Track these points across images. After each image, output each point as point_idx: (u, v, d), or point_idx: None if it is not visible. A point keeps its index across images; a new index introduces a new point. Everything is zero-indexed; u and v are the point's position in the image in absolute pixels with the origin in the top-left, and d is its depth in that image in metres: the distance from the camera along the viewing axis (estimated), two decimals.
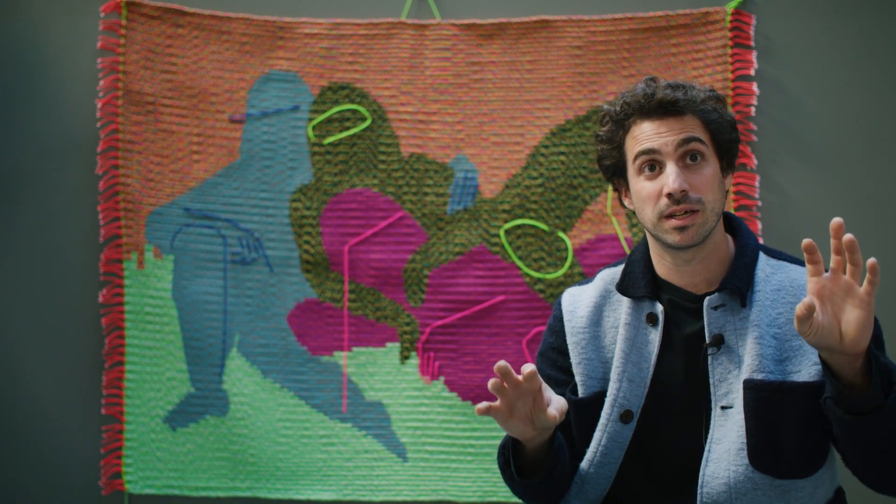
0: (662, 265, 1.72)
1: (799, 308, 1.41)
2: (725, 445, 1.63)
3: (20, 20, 2.64)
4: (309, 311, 2.58)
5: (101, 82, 2.58)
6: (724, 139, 1.68)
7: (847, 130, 2.50)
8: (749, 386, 1.62)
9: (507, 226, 2.55)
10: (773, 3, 2.52)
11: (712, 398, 1.66)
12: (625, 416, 1.70)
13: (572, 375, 1.78)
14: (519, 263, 2.54)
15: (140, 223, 2.57)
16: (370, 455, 2.56)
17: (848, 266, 1.44)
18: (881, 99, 2.49)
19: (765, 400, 1.61)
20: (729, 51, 2.49)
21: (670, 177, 1.62)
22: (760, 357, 1.63)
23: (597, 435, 1.72)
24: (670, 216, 1.63)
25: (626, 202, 1.74)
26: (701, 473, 1.64)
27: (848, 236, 1.42)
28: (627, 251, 2.49)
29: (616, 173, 1.74)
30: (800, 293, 1.66)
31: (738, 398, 1.64)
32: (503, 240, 2.55)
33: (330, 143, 2.59)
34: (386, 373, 2.57)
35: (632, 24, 2.53)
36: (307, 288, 2.58)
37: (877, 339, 1.61)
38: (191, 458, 2.57)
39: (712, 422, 1.66)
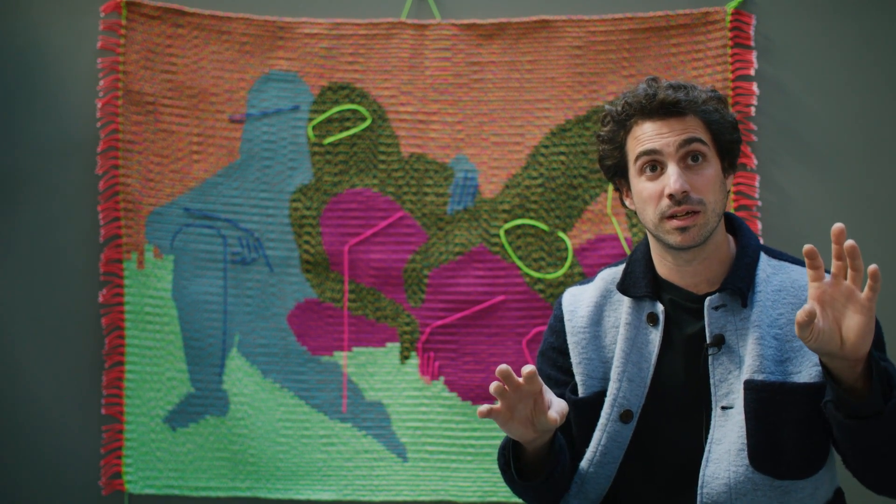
0: (663, 265, 1.72)
1: (799, 314, 1.41)
2: (726, 446, 1.63)
3: (20, 20, 2.64)
4: (309, 311, 2.58)
5: (101, 82, 2.58)
6: (725, 140, 1.68)
7: (847, 130, 2.50)
8: (750, 386, 1.62)
9: (507, 226, 2.55)
10: (773, 3, 2.52)
11: (712, 398, 1.66)
12: (624, 416, 1.70)
13: (572, 375, 1.78)
14: (519, 263, 2.54)
15: (140, 223, 2.57)
16: (370, 455, 2.56)
17: (849, 271, 1.44)
18: (881, 99, 2.49)
19: (765, 401, 1.61)
20: (729, 51, 2.49)
21: (671, 177, 1.62)
22: (761, 358, 1.63)
23: (596, 434, 1.72)
24: (671, 217, 1.63)
25: (627, 202, 1.74)
26: (701, 474, 1.64)
27: (849, 242, 1.41)
28: (627, 251, 2.49)
29: (617, 173, 1.74)
30: (801, 294, 1.66)
31: (738, 398, 1.64)
32: (503, 240, 2.55)
33: (330, 143, 2.59)
34: (386, 373, 2.57)
35: (632, 24, 2.53)
36: (307, 288, 2.58)
37: (878, 341, 1.61)
38: (191, 458, 2.57)
39: (712, 422, 1.66)
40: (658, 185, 1.64)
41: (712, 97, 1.68)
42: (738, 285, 1.65)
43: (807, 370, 1.62)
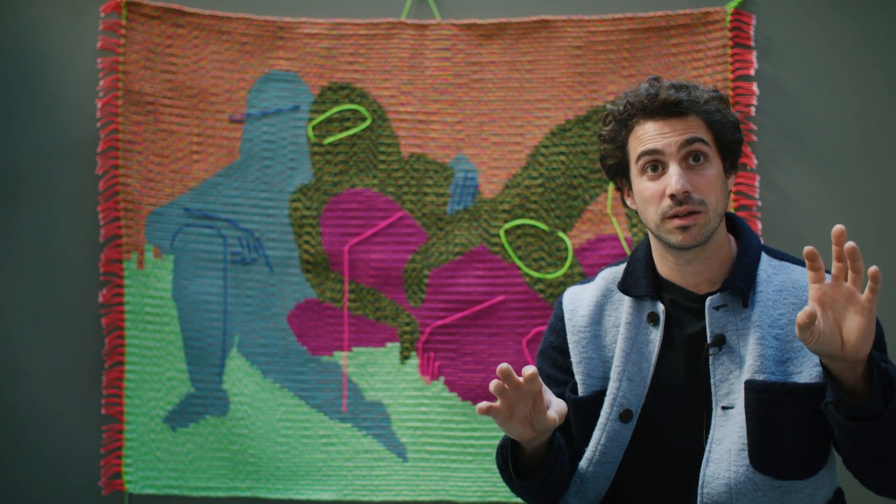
0: (664, 265, 1.72)
1: (800, 316, 1.41)
2: (726, 446, 1.63)
3: (20, 20, 2.64)
4: (309, 311, 2.58)
5: (101, 82, 2.58)
6: (727, 140, 1.68)
7: (847, 130, 2.50)
8: (750, 387, 1.62)
9: (507, 226, 2.55)
10: (773, 3, 2.52)
11: (713, 398, 1.66)
12: (624, 416, 1.70)
13: (572, 375, 1.78)
14: (519, 263, 2.54)
15: (140, 223, 2.57)
16: (370, 455, 2.56)
17: (849, 273, 1.43)
18: (881, 99, 2.49)
19: (766, 401, 1.61)
20: (729, 51, 2.49)
21: (673, 178, 1.62)
22: (762, 358, 1.63)
23: (596, 434, 1.72)
24: (673, 217, 1.63)
25: (628, 202, 1.74)
26: (701, 474, 1.64)
27: (850, 244, 1.41)
28: (627, 251, 2.49)
29: (619, 173, 1.74)
30: (802, 294, 1.66)
31: (739, 398, 1.64)
32: (503, 240, 2.55)
33: (330, 143, 2.59)
34: (386, 373, 2.57)
35: (632, 24, 2.53)
36: (307, 288, 2.58)
37: (878, 342, 1.61)
38: (191, 458, 2.57)
39: (713, 422, 1.66)
40: (659, 184, 1.64)
41: (714, 97, 1.67)
42: (739, 285, 1.65)
43: (807, 370, 1.62)
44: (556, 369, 1.80)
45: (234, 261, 2.59)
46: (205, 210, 2.59)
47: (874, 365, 1.47)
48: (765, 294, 1.66)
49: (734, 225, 1.75)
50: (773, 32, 2.51)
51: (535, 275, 2.54)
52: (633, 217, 2.51)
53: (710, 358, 1.67)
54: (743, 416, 1.62)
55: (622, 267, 1.79)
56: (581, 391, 1.76)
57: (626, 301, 1.75)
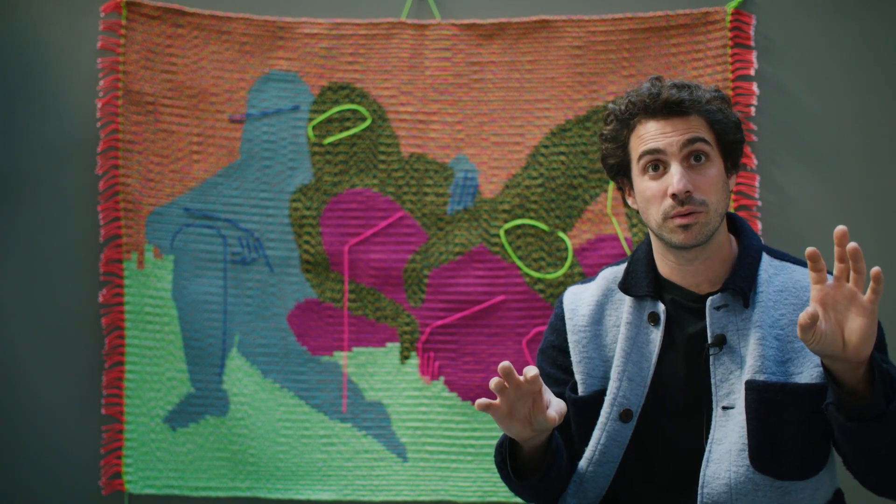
0: (665, 265, 1.72)
1: (802, 317, 1.40)
2: (726, 446, 1.63)
3: (20, 20, 2.64)
4: (309, 311, 2.58)
5: (101, 82, 2.58)
6: (728, 139, 1.68)
7: (847, 130, 2.50)
8: (751, 387, 1.62)
9: (507, 226, 2.55)
10: (773, 3, 2.52)
11: (713, 398, 1.66)
12: (624, 416, 1.70)
13: (572, 374, 1.78)
14: (519, 263, 2.54)
15: (140, 223, 2.57)
16: (370, 455, 2.56)
17: (851, 274, 1.43)
18: (881, 99, 2.49)
19: (766, 401, 1.61)
20: (729, 51, 2.49)
21: (675, 177, 1.62)
22: (762, 358, 1.63)
23: (596, 434, 1.72)
24: (675, 216, 1.63)
25: (629, 201, 1.74)
26: (702, 474, 1.64)
27: (852, 244, 1.41)
28: (627, 251, 2.49)
29: (620, 172, 1.74)
30: (803, 294, 1.66)
31: (739, 399, 1.64)
32: (503, 240, 2.55)
33: (330, 143, 2.59)
34: (386, 373, 2.57)
35: (632, 24, 2.53)
36: (307, 288, 2.58)
37: (879, 342, 1.61)
38: (191, 458, 2.57)
39: (713, 422, 1.66)
40: (661, 184, 1.64)
41: (716, 97, 1.67)
42: (740, 285, 1.65)
43: (808, 371, 1.62)
44: (557, 368, 1.80)
45: (234, 261, 2.59)
46: (205, 210, 2.59)
47: (875, 366, 1.47)
48: (766, 294, 1.66)
49: (735, 225, 1.75)
50: (773, 32, 2.51)
51: (535, 275, 2.54)
52: (633, 217, 2.51)
53: (711, 358, 1.67)
54: (743, 417, 1.62)
55: (623, 267, 1.79)
56: (581, 391, 1.76)
57: (626, 301, 1.75)
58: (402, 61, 2.58)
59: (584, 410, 1.74)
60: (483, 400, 1.53)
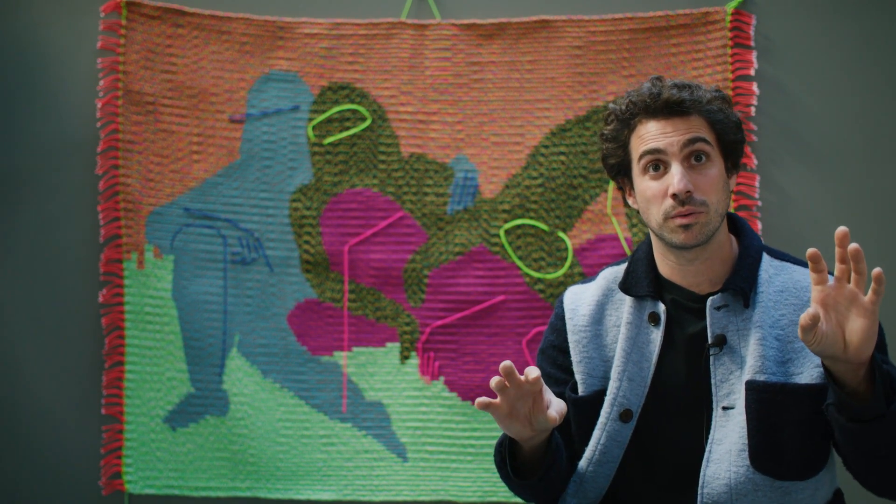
0: (665, 265, 1.72)
1: (803, 318, 1.40)
2: (727, 446, 1.63)
3: (20, 20, 2.64)
4: (309, 311, 2.58)
5: (101, 82, 2.58)
6: (729, 139, 1.68)
7: (847, 130, 2.50)
8: (751, 387, 1.62)
9: (507, 226, 2.55)
10: (773, 3, 2.52)
11: (713, 398, 1.66)
12: (624, 416, 1.70)
13: (572, 374, 1.78)
14: (519, 263, 2.54)
15: (140, 223, 2.57)
16: (370, 455, 2.56)
17: (852, 274, 1.43)
18: (881, 99, 2.49)
19: (767, 401, 1.61)
20: (729, 51, 2.49)
21: (675, 177, 1.61)
22: (763, 358, 1.62)
23: (596, 434, 1.72)
24: (675, 216, 1.63)
25: (630, 201, 1.74)
26: (702, 474, 1.64)
27: (853, 245, 1.40)
28: (627, 251, 2.49)
29: (620, 172, 1.74)
30: (803, 294, 1.66)
31: (739, 399, 1.64)
32: (503, 240, 2.55)
33: (330, 143, 2.59)
34: (386, 373, 2.57)
35: (632, 24, 2.53)
36: (307, 288, 2.58)
37: (879, 343, 1.61)
38: (191, 458, 2.57)
39: (713, 422, 1.66)
40: (662, 184, 1.64)
41: (717, 97, 1.67)
42: (741, 285, 1.65)
43: (808, 371, 1.62)
44: (557, 368, 1.80)
45: (234, 261, 2.59)
46: (205, 210, 2.59)
47: (876, 367, 1.47)
48: (766, 294, 1.66)
49: (735, 225, 1.75)
50: (773, 32, 2.51)
51: (535, 275, 2.54)
52: (633, 217, 2.51)
53: (711, 358, 1.67)
54: (743, 417, 1.62)
55: (623, 266, 1.79)
56: (581, 390, 1.76)
57: (627, 301, 1.75)
58: (402, 61, 2.58)
59: (584, 410, 1.74)
60: (483, 398, 1.53)
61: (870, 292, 1.42)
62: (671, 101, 1.64)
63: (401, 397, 2.56)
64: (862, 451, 1.53)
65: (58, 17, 2.63)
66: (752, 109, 2.48)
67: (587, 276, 2.35)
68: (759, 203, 2.49)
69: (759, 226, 2.47)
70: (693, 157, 1.64)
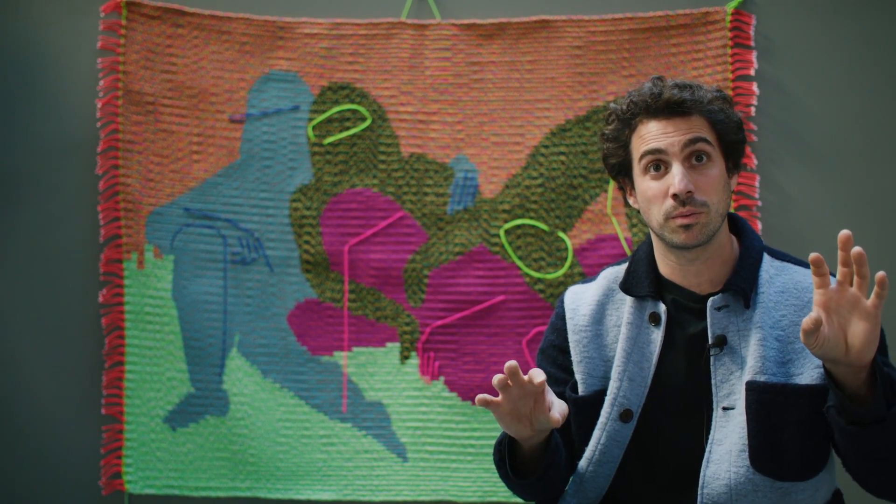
0: (666, 265, 1.72)
1: (805, 322, 1.40)
2: (727, 447, 1.63)
3: (20, 20, 2.64)
4: (309, 311, 2.58)
5: (101, 82, 2.58)
6: (730, 140, 1.68)
7: (847, 130, 2.50)
8: (751, 388, 1.62)
9: (507, 226, 2.55)
10: (773, 3, 2.52)
11: (714, 399, 1.66)
12: (624, 416, 1.70)
13: (572, 374, 1.78)
14: (519, 263, 2.54)
15: (140, 223, 2.57)
16: (370, 455, 2.56)
17: (855, 278, 1.43)
18: (881, 99, 2.49)
19: (767, 402, 1.61)
20: (729, 51, 2.49)
21: (676, 177, 1.61)
22: (763, 359, 1.62)
23: (596, 433, 1.72)
24: (676, 216, 1.63)
25: (630, 201, 1.74)
26: (702, 474, 1.64)
27: (857, 249, 1.40)
28: (627, 251, 2.49)
29: (621, 172, 1.74)
30: (804, 295, 1.66)
31: (739, 399, 1.64)
32: (503, 240, 2.55)
33: (330, 143, 2.59)
34: (386, 373, 2.57)
35: (632, 24, 2.53)
36: (307, 288, 2.58)
37: (880, 345, 1.61)
38: (191, 458, 2.57)
39: (713, 422, 1.66)
40: (662, 184, 1.64)
41: (718, 97, 1.67)
42: (742, 286, 1.65)
43: (808, 372, 1.62)
44: (557, 368, 1.80)
45: (234, 261, 2.59)
46: (205, 210, 2.59)
47: (877, 370, 1.46)
48: (766, 295, 1.66)
49: (736, 225, 1.75)
50: (773, 32, 2.51)
51: (535, 275, 2.54)
52: (633, 217, 2.51)
53: (712, 359, 1.67)
54: (744, 417, 1.62)
55: (624, 266, 1.79)
56: (581, 390, 1.76)
57: (627, 301, 1.75)
58: (402, 61, 2.58)
59: (584, 410, 1.74)
60: (483, 395, 1.53)
61: (872, 296, 1.42)
62: (672, 101, 1.64)
63: (401, 397, 2.56)
64: (862, 453, 1.53)
65: (58, 17, 2.63)
66: (752, 109, 2.48)
67: (587, 276, 2.35)
68: (759, 203, 2.49)
69: (759, 226, 2.47)
70: (694, 158, 1.64)
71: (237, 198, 2.59)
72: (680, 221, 1.62)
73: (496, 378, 1.51)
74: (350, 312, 2.58)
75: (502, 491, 2.52)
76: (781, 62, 2.51)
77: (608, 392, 1.72)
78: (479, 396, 1.52)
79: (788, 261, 1.72)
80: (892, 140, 2.50)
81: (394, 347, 2.57)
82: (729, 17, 2.49)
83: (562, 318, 1.82)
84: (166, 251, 2.58)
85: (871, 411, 1.46)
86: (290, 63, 2.59)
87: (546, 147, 2.55)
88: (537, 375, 1.51)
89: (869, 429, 1.47)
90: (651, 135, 1.65)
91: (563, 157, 2.54)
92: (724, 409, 1.65)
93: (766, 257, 1.71)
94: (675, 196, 1.61)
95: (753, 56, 2.49)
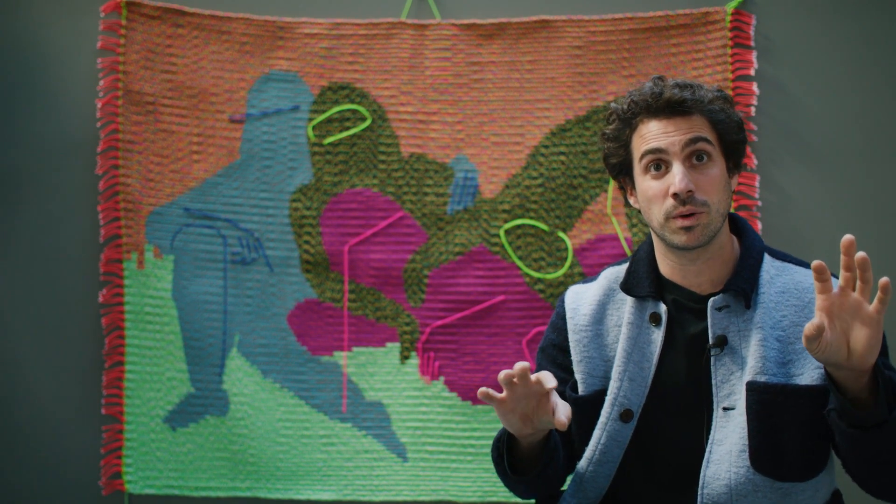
0: (667, 265, 1.72)
1: (808, 328, 1.40)
2: (727, 447, 1.63)
3: (20, 20, 2.64)
4: (309, 311, 2.58)
5: (101, 82, 2.58)
6: (731, 139, 1.68)
7: (847, 130, 2.50)
8: (752, 388, 1.62)
9: (507, 226, 2.55)
10: (773, 3, 2.52)
11: (714, 399, 1.66)
12: (625, 416, 1.70)
13: (572, 373, 1.78)
14: (519, 263, 2.54)
15: (140, 223, 2.57)
16: (370, 455, 2.56)
17: (858, 283, 1.42)
18: (881, 99, 2.49)
19: (767, 402, 1.61)
20: (729, 51, 2.49)
21: (676, 177, 1.61)
22: (764, 359, 1.62)
23: (596, 433, 1.72)
24: (677, 216, 1.63)
25: (631, 201, 1.74)
26: (702, 474, 1.64)
27: (861, 254, 1.40)
28: (627, 251, 2.49)
29: (622, 172, 1.74)
30: (804, 296, 1.66)
31: (740, 400, 1.64)
32: (503, 240, 2.55)
33: (330, 143, 2.59)
34: (386, 373, 2.57)
35: (632, 24, 2.53)
36: (307, 288, 2.58)
37: (881, 348, 1.61)
38: (191, 458, 2.57)
39: (714, 423, 1.66)
40: (663, 183, 1.64)
41: (718, 97, 1.67)
42: (742, 286, 1.65)
43: (809, 372, 1.62)
44: (557, 367, 1.80)
45: (234, 261, 2.59)
46: (205, 210, 2.59)
47: (879, 373, 1.46)
48: (767, 295, 1.66)
49: (737, 225, 1.75)
50: (773, 32, 2.51)
51: (535, 275, 2.54)
52: (633, 217, 2.51)
53: (712, 359, 1.67)
54: (744, 418, 1.62)
55: (624, 266, 1.79)
56: (581, 390, 1.76)
57: (628, 301, 1.75)
58: (402, 61, 2.58)
59: (584, 410, 1.74)
60: (485, 389, 1.52)
61: (875, 301, 1.41)
62: (673, 101, 1.64)
63: (401, 397, 2.56)
64: (863, 456, 1.53)
65: (58, 17, 2.63)
66: (752, 109, 2.48)
67: (587, 276, 2.35)
68: (759, 203, 2.49)
69: (759, 226, 2.47)
70: (694, 157, 1.64)
71: (237, 198, 2.59)
72: (681, 223, 1.62)
73: (503, 374, 1.51)
74: (350, 312, 2.58)
75: (502, 491, 2.52)
76: (781, 62, 2.51)
77: (608, 392, 1.72)
78: (482, 390, 1.51)
79: (789, 261, 1.72)
80: (892, 140, 2.50)
81: (394, 347, 2.57)
82: (729, 17, 2.49)
83: (562, 317, 1.82)
84: (166, 251, 2.58)
85: (873, 415, 1.46)
86: (290, 63, 2.59)
87: (546, 147, 2.55)
88: (549, 381, 1.51)
89: (870, 432, 1.47)
90: (652, 134, 1.65)
91: (563, 157, 2.54)
92: (725, 409, 1.65)
93: (766, 258, 1.71)
94: (675, 195, 1.61)
95: (753, 56, 2.49)
